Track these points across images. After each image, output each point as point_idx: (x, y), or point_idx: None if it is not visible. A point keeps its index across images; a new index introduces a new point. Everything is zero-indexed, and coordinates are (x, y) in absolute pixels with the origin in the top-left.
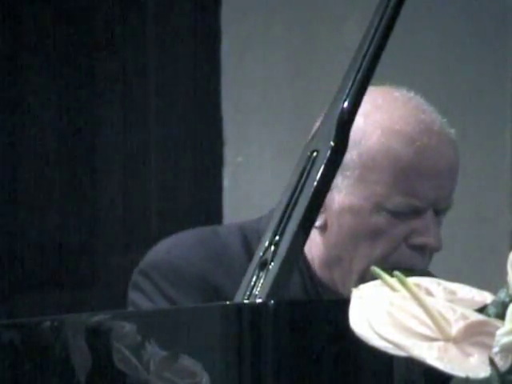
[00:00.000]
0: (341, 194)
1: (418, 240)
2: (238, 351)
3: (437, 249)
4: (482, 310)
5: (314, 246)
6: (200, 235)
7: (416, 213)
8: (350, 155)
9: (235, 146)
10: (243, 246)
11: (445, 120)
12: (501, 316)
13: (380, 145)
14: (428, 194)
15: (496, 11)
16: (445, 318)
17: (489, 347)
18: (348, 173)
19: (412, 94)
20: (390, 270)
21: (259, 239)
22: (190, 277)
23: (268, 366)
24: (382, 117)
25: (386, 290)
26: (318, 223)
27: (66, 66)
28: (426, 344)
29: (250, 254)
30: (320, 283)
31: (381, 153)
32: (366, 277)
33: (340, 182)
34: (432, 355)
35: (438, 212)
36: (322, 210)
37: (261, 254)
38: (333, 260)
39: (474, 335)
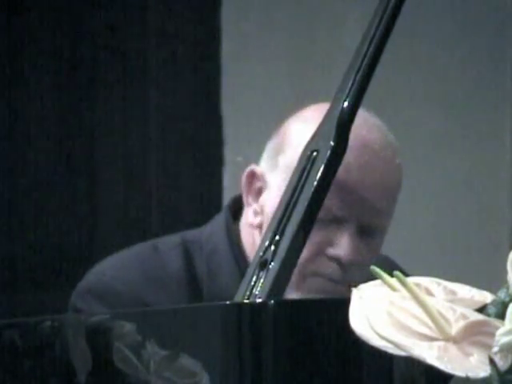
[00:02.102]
0: (273, 194)
1: (332, 251)
2: (238, 351)
3: (352, 263)
4: (481, 309)
5: (253, 244)
6: (138, 253)
7: (336, 223)
8: (284, 157)
9: (235, 145)
10: (184, 260)
11: (394, 144)
12: (501, 316)
13: None
14: (350, 207)
15: (496, 11)
16: (445, 318)
17: (489, 347)
18: (280, 173)
19: (368, 113)
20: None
21: (202, 252)
22: (126, 297)
23: (268, 365)
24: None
25: (386, 289)
26: (255, 222)
27: (65, 65)
28: (425, 344)
29: (191, 268)
30: None
31: None
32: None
33: (273, 181)
34: (432, 355)
35: (363, 229)
36: (259, 210)
37: (261, 254)
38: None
39: (474, 335)
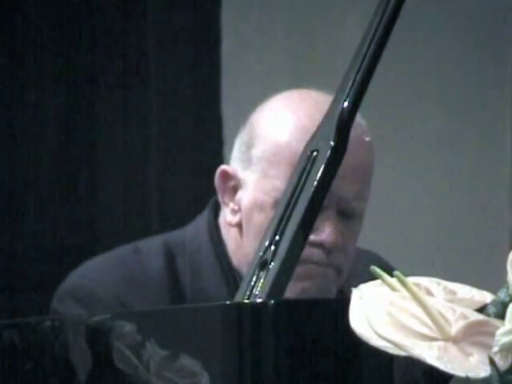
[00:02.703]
0: (248, 191)
1: (316, 237)
2: (238, 351)
3: (335, 247)
4: (481, 309)
5: (234, 242)
6: (119, 255)
7: None
8: (256, 151)
9: None
10: (165, 261)
11: (362, 123)
12: (501, 316)
13: (282, 141)
14: (328, 192)
15: (496, 11)
16: (445, 318)
17: (489, 347)
18: (254, 168)
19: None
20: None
21: (184, 252)
22: (104, 299)
23: (268, 365)
24: (289, 114)
25: (386, 289)
26: (234, 221)
27: (65, 65)
28: (425, 344)
29: (173, 269)
30: (241, 278)
31: (282, 148)
32: None
33: (248, 178)
34: (432, 355)
35: (343, 212)
36: (236, 208)
37: (261, 253)
38: (249, 256)
39: (474, 335)
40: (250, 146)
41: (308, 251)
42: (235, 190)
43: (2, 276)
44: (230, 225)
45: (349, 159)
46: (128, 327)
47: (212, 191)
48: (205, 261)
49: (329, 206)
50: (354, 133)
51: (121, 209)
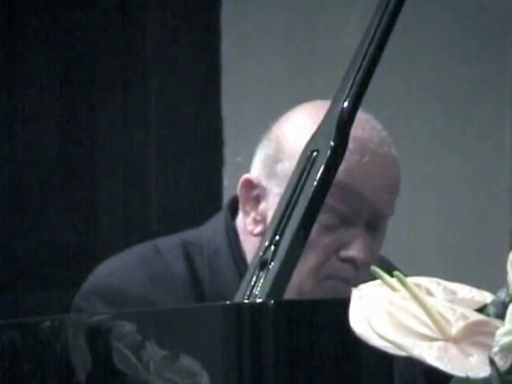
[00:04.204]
0: (275, 203)
1: (347, 253)
2: (237, 351)
3: (365, 263)
4: (481, 309)
5: (253, 250)
6: (141, 255)
7: (346, 225)
8: (283, 166)
9: (235, 145)
10: (186, 262)
11: (387, 137)
12: (501, 316)
13: None
14: (358, 208)
15: (496, 11)
16: (445, 318)
17: (489, 347)
18: (279, 182)
19: (359, 111)
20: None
21: (202, 254)
22: (132, 299)
23: (268, 365)
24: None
25: (386, 290)
26: (256, 231)
27: (65, 66)
28: (425, 344)
29: (193, 270)
30: None
31: None
32: (303, 289)
33: (274, 190)
34: (432, 355)
35: (371, 226)
36: (259, 218)
37: (261, 253)
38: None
39: (474, 335)
40: (276, 160)
41: (337, 267)
42: (258, 199)
43: (2, 276)
44: (252, 234)
45: (376, 174)
46: (128, 327)
47: (212, 191)
48: (223, 265)
49: (358, 221)
50: (381, 149)
51: (121, 209)
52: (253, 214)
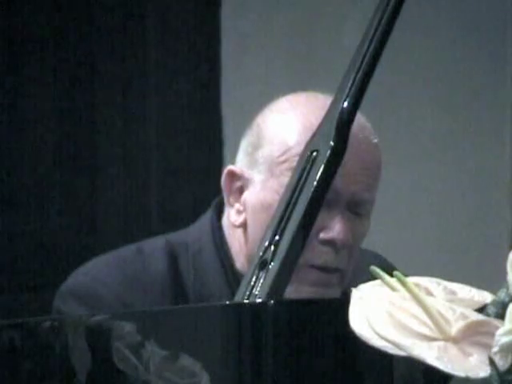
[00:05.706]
0: (255, 190)
1: (326, 235)
2: (237, 351)
3: (345, 245)
4: (481, 309)
5: (238, 244)
6: (122, 255)
7: (326, 208)
8: (263, 151)
9: (235, 146)
10: (168, 262)
11: (369, 126)
12: (501, 316)
13: (290, 140)
14: (337, 189)
15: (496, 11)
16: (445, 318)
17: (489, 347)
18: (260, 168)
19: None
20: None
21: (187, 253)
22: (106, 299)
23: (268, 365)
24: (296, 115)
25: (386, 290)
26: (238, 221)
27: (65, 65)
28: (425, 344)
29: (175, 270)
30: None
31: (290, 148)
32: None
33: (254, 178)
34: (432, 355)
35: (352, 209)
36: (242, 208)
37: (261, 253)
38: (254, 257)
39: (474, 335)
40: (256, 146)
41: (317, 251)
42: (241, 190)
43: (2, 276)
44: (235, 225)
45: (357, 158)
46: (128, 327)
47: (212, 191)
48: (208, 263)
49: (338, 203)
50: (362, 134)
51: (121, 209)
52: (236, 205)
